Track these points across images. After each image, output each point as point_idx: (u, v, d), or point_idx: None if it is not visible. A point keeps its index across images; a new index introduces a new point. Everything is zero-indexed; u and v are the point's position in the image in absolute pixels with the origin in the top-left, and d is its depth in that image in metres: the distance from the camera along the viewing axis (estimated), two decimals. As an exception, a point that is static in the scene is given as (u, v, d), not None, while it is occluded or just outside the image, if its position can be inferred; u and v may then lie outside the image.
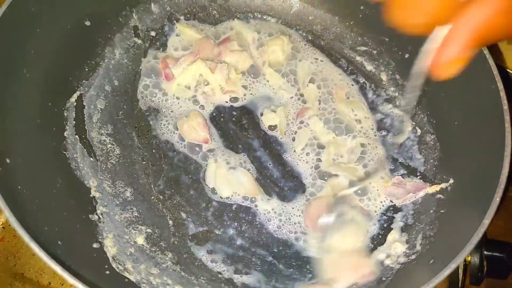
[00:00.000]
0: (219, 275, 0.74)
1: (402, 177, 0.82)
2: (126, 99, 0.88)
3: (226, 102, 0.89)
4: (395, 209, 0.81)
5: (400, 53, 0.92)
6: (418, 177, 0.84)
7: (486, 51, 0.75)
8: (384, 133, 0.88)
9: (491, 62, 0.74)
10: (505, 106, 0.70)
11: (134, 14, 0.93)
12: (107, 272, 0.68)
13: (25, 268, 0.81)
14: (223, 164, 0.82)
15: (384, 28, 0.91)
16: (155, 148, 0.84)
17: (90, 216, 0.74)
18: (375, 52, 0.95)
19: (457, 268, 0.77)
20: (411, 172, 0.85)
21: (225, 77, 0.87)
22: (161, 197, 0.80)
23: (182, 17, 0.97)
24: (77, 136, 0.80)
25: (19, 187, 0.64)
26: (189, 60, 0.88)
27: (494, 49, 0.79)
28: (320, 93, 0.91)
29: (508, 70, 0.93)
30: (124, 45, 0.91)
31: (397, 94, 0.93)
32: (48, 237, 0.62)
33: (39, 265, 0.80)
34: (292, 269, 0.76)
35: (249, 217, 0.79)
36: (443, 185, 0.79)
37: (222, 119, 0.88)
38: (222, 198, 0.80)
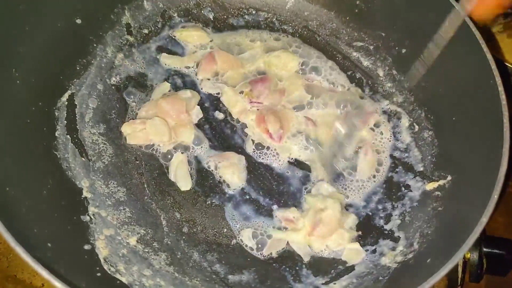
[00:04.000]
0: (213, 276, 0.73)
1: None
2: (118, 97, 0.86)
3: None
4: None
5: (397, 48, 0.90)
6: (416, 174, 0.83)
7: (484, 45, 0.73)
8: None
9: (489, 56, 0.72)
10: (504, 101, 0.69)
11: (126, 12, 0.92)
12: (98, 274, 0.67)
13: (17, 270, 0.80)
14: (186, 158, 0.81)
15: (381, 23, 0.92)
16: (148, 147, 0.83)
17: (81, 217, 0.73)
18: (371, 47, 0.94)
19: (456, 265, 0.76)
20: (409, 168, 0.83)
21: None
22: (154, 197, 0.79)
23: (175, 14, 0.96)
24: (68, 136, 0.79)
25: (7, 188, 0.63)
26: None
27: (492, 43, 0.78)
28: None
29: (507, 64, 0.91)
30: (116, 43, 0.90)
31: (394, 89, 0.91)
32: (38, 239, 0.61)
33: (32, 267, 0.79)
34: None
35: (244, 217, 0.78)
36: (441, 182, 0.78)
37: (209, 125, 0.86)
38: (217, 197, 0.79)
